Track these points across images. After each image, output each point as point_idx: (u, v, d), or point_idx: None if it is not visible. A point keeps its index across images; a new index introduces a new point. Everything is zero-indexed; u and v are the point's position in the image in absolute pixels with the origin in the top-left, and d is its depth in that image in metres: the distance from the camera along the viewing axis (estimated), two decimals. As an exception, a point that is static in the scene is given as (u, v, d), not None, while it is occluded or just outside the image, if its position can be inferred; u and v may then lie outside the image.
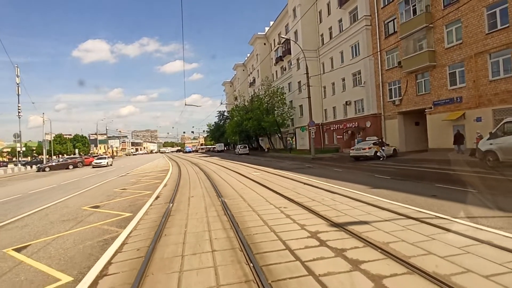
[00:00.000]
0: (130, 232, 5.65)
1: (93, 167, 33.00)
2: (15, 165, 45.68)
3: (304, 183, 10.55)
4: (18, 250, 5.13)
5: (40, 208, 9.19)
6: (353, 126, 30.43)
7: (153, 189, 11.66)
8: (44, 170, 33.84)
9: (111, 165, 36.21)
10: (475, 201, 6.61)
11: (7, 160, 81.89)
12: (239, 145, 51.92)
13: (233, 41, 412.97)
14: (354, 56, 30.04)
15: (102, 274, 3.79)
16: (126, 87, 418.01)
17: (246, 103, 52.59)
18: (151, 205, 8.36)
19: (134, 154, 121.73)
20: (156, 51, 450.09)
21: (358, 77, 29.68)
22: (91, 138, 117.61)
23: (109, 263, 4.16)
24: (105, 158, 37.25)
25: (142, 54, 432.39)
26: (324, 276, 3.30)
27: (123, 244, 4.98)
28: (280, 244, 4.40)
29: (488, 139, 11.78)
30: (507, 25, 17.19)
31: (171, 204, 8.05)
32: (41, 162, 47.80)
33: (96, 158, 39.26)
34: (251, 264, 3.67)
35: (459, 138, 18.20)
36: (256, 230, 5.18)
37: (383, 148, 19.35)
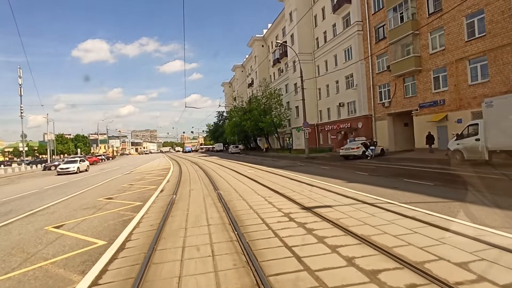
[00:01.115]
0: (143, 215, 7.05)
1: (59, 174, 24.65)
2: (19, 164, 47.23)
3: (291, 179, 11.96)
4: (56, 227, 6.54)
5: (60, 200, 10.60)
6: (346, 126, 31.86)
7: (158, 184, 13.07)
8: (50, 169, 35.21)
9: (86, 170, 27.52)
10: (425, 191, 8.00)
11: (9, 160, 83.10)
12: (232, 145, 58.95)
13: (232, 41, 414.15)
14: (347, 60, 31.48)
15: (127, 240, 5.19)
16: (126, 87, 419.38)
17: (245, 104, 53.99)
18: (157, 196, 9.77)
19: (146, 153, 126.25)
20: (155, 51, 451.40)
21: (351, 80, 31.09)
22: (90, 138, 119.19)
23: (130, 233, 5.56)
24: (75, 161, 27.32)
25: (141, 54, 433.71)
26: (286, 237, 4.71)
27: (139, 222, 6.38)
28: (259, 220, 5.82)
29: (455, 140, 13.19)
30: (484, 33, 18.58)
31: (175, 196, 9.46)
32: (45, 161, 49.29)
33: (63, 161, 30.80)
34: (236, 232, 5.07)
35: (430, 139, 19.78)
36: (242, 212, 6.59)
37: (370, 147, 20.72)
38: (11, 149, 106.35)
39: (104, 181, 16.82)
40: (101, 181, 16.92)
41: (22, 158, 61.26)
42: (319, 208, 6.45)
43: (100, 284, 3.53)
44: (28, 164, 46.94)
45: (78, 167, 25.97)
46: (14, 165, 51.34)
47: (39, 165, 43.52)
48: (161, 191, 11.04)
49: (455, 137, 13.32)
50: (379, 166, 15.47)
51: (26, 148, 62.80)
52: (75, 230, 6.19)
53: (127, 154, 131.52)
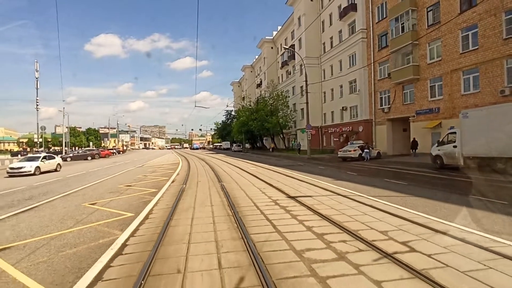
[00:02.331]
0: (159, 198, 8.69)
1: (10, 176, 18.39)
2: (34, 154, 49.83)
3: (287, 176, 13.50)
4: (92, 204, 8.24)
5: (86, 186, 12.36)
6: (348, 130, 33.19)
7: (169, 176, 14.76)
8: (66, 160, 37.37)
9: (56, 170, 21.30)
10: (396, 188, 9.45)
11: (25, 150, 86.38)
12: (235, 144, 63.86)
13: (242, 41, 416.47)
14: (351, 66, 32.78)
15: (149, 213, 6.83)
16: (136, 82, 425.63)
17: (252, 104, 55.58)
18: (169, 185, 11.44)
19: (168, 148, 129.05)
20: (166, 47, 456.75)
21: (354, 85, 32.40)
22: (100, 132, 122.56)
23: (151, 210, 7.19)
24: (35, 159, 20.55)
25: (153, 49, 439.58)
26: (268, 214, 6.27)
27: (156, 203, 8.02)
28: (251, 204, 7.40)
29: (437, 146, 14.54)
30: (477, 47, 19.76)
31: (184, 185, 11.11)
32: (59, 153, 51.82)
33: (19, 159, 22.75)
34: (232, 210, 6.65)
35: (414, 145, 21.23)
36: (239, 198, 8.18)
37: (366, 150, 22.09)
38: (25, 140, 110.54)
39: (120, 172, 18.61)
40: (118, 172, 18.71)
41: (36, 149, 64.45)
42: (301, 197, 7.99)
43: (135, 236, 5.15)
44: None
45: (38, 167, 19.39)
46: (30, 155, 54.26)
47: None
48: (173, 181, 12.70)
49: (437, 144, 14.67)
50: (370, 168, 16.87)
51: (40, 140, 65.59)
52: (107, 206, 7.87)
53: (140, 148, 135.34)
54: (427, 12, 23.59)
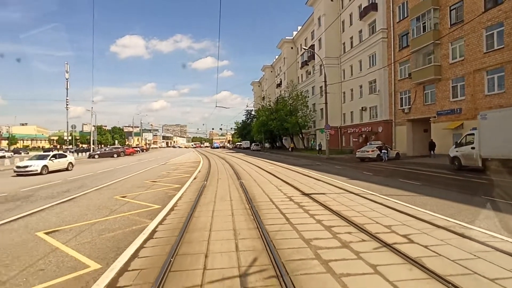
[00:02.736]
0: (183, 193, 9.41)
1: (18, 175, 17.58)
2: (64, 151, 52.92)
3: (304, 175, 13.93)
4: (122, 197, 9.08)
5: (116, 181, 13.35)
6: (367, 130, 32.99)
7: (191, 173, 15.56)
8: (94, 157, 39.47)
9: (67, 169, 20.31)
10: (409, 188, 9.68)
11: (55, 147, 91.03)
12: (253, 144, 65.78)
13: (263, 41, 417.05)
14: (371, 66, 32.56)
15: (174, 206, 7.52)
16: (159, 82, 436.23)
17: (272, 104, 56.02)
18: (191, 182, 12.18)
19: (194, 147, 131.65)
20: (188, 48, 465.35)
21: (374, 85, 32.18)
22: (125, 130, 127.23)
23: (176, 203, 7.89)
24: (44, 157, 19.81)
25: (175, 50, 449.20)
26: (283, 209, 6.79)
27: (180, 197, 8.73)
28: (267, 199, 7.95)
29: (455, 147, 14.47)
30: (503, 46, 19.29)
31: (206, 182, 11.82)
32: (87, 150, 54.58)
33: (30, 157, 21.43)
34: (250, 204, 7.22)
35: (431, 146, 20.95)
36: (257, 194, 8.75)
37: (384, 151, 22.06)
38: (55, 138, 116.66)
39: (145, 169, 19.67)
40: (143, 169, 19.79)
41: (66, 146, 68.33)
42: (315, 195, 8.44)
43: (163, 224, 5.82)
44: (72, 152, 52.25)
45: (45, 166, 18.43)
46: (40, 153, 57.72)
47: (83, 153, 48.42)
48: (194, 178, 13.46)
49: (455, 145, 14.59)
50: (386, 168, 16.96)
51: (70, 137, 69.22)
52: (136, 199, 8.66)
53: (162, 147, 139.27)
54: (450, 10, 23.16)
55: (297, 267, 3.61)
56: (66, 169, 20.44)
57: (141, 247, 4.55)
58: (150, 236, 5.08)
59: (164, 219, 6.21)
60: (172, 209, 7.16)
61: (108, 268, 3.74)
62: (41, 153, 25.71)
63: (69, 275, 3.63)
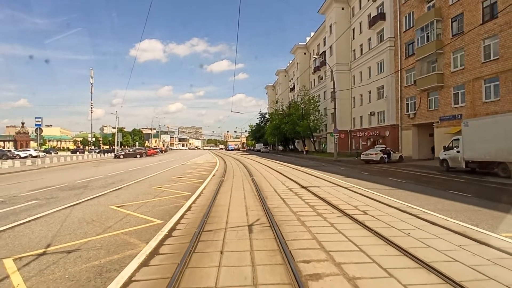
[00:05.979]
0: (205, 186, 11.71)
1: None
2: (89, 152, 56.90)
3: (307, 173, 16.01)
4: (159, 187, 11.47)
5: (147, 176, 15.83)
6: (375, 134, 34.59)
7: (210, 171, 17.91)
8: (119, 157, 42.68)
9: None
10: (393, 184, 11.61)
11: (80, 148, 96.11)
12: (263, 146, 73.28)
13: (277, 45, 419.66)
14: (379, 72, 34.21)
15: (200, 193, 9.81)
16: (175, 85, 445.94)
17: (285, 108, 58.08)
18: (211, 178, 14.49)
19: (209, 149, 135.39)
20: (204, 51, 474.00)
21: (382, 91, 33.79)
22: (143, 132, 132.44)
23: (201, 192, 10.18)
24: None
25: (191, 53, 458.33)
26: (283, 197, 8.95)
27: (204, 188, 11.03)
28: (272, 190, 10.14)
29: (444, 151, 16.18)
30: (498, 57, 20.75)
31: (223, 178, 14.11)
32: (112, 151, 58.35)
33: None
34: (258, 193, 9.43)
35: (434, 150, 22.59)
36: (265, 186, 10.95)
37: (386, 154, 23.79)
38: (79, 139, 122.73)
39: (168, 168, 22.20)
40: (166, 168, 22.34)
41: (90, 147, 72.84)
42: (310, 187, 10.56)
43: (195, 203, 8.09)
44: (98, 152, 56.05)
45: None
46: (86, 152, 62.19)
47: (108, 154, 51.98)
48: (213, 175, 15.78)
49: (443, 149, 16.30)
50: (385, 169, 18.77)
51: (93, 139, 73.49)
52: (171, 189, 11.03)
53: (178, 148, 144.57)
54: (452, 22, 24.70)
55: (284, 223, 5.78)
56: None
57: (184, 214, 6.83)
58: (188, 209, 7.37)
59: (195, 201, 8.50)
60: (199, 195, 9.46)
61: (167, 222, 6.03)
62: (69, 153, 28.90)
63: (145, 224, 5.97)
